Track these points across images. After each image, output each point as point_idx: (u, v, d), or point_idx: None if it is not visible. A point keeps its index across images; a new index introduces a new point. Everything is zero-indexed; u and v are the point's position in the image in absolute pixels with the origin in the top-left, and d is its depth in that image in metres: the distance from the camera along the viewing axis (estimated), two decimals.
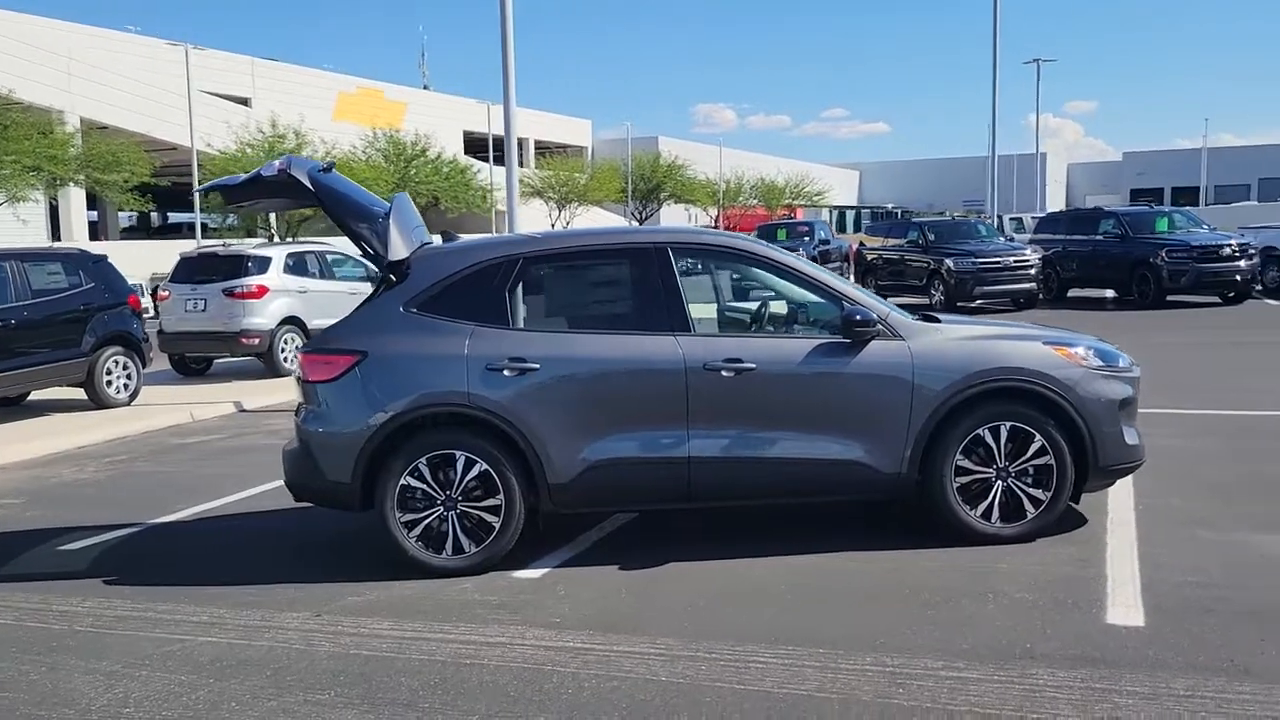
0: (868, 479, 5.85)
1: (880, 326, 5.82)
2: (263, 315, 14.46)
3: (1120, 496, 6.59)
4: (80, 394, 12.27)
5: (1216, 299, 21.29)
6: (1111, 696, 3.96)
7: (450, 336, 5.80)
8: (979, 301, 21.46)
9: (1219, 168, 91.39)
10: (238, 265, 14.68)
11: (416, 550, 5.74)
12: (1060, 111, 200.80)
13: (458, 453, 5.72)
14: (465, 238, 6.90)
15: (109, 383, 12.21)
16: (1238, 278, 20.99)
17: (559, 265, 6.09)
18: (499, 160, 58.24)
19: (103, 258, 12.70)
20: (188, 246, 23.00)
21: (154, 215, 58.42)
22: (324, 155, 41.80)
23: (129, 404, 12.41)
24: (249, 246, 15.91)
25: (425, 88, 71.19)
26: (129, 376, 12.46)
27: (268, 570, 6.03)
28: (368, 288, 16.10)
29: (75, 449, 10.43)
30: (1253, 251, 21.46)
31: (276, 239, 36.43)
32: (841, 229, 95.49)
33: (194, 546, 6.77)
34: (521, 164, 66.97)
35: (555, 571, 5.78)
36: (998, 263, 21.42)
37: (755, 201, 64.79)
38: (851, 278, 25.82)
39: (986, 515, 5.88)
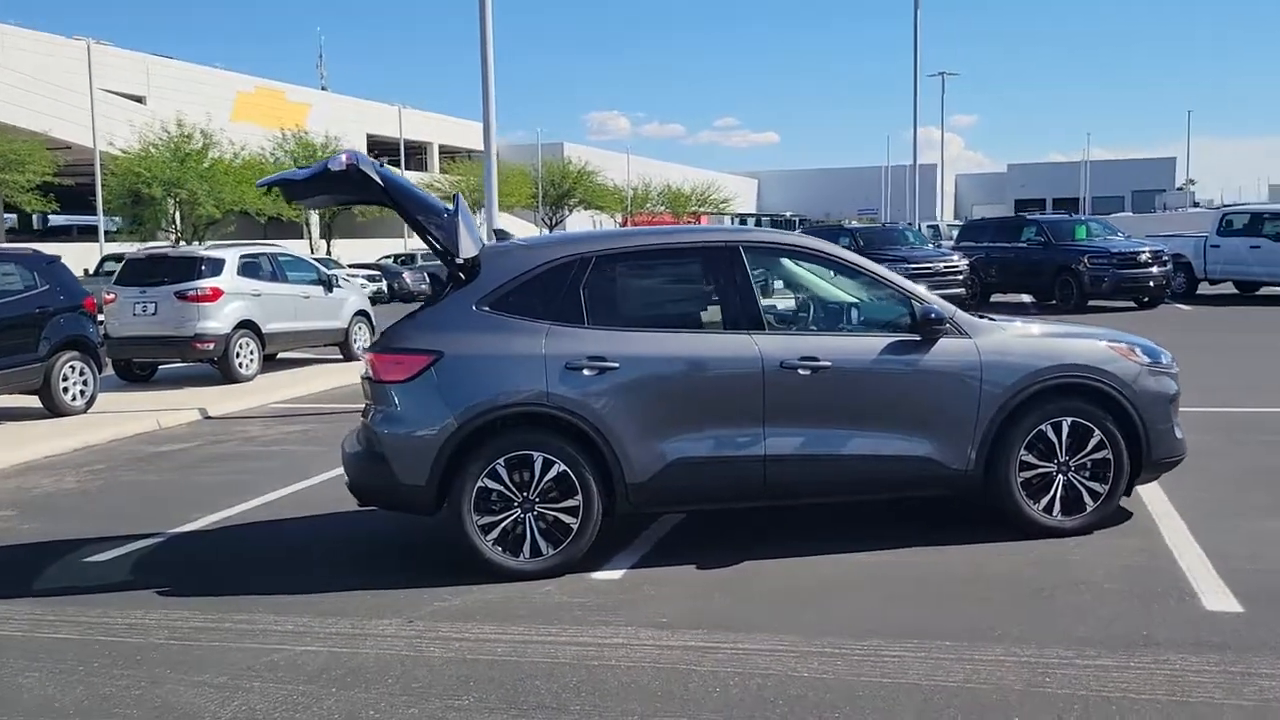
0: (936, 475, 5.95)
1: (949, 324, 5.93)
2: (217, 319, 13.97)
3: (1149, 491, 6.82)
4: (31, 401, 11.68)
5: (1133, 304, 22.21)
6: (1254, 680, 4.10)
7: (527, 335, 5.72)
8: None
9: (1095, 180, 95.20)
10: (190, 267, 14.16)
11: (493, 553, 5.63)
12: (939, 125, 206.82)
13: (535, 453, 5.63)
14: (526, 236, 6.80)
15: (65, 389, 11.65)
16: (1152, 283, 21.94)
17: (632, 263, 6.05)
18: (407, 165, 57.49)
19: (56, 259, 12.13)
20: (80, 249, 22.06)
21: (34, 217, 56.02)
22: (233, 156, 40.68)
23: (85, 411, 11.86)
24: (201, 248, 15.34)
25: (323, 89, 69.80)
26: (85, 383, 11.91)
27: (331, 578, 5.83)
28: (320, 291, 15.80)
29: (44, 459, 9.92)
30: (1166, 258, 22.46)
31: (182, 242, 35.28)
32: None
33: (235, 556, 6.51)
34: (425, 169, 66.29)
35: (633, 573, 5.73)
36: (929, 268, 21.98)
37: (662, 208, 65.23)
38: None
39: (1049, 509, 6.04)
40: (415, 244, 48.01)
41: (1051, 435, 6.00)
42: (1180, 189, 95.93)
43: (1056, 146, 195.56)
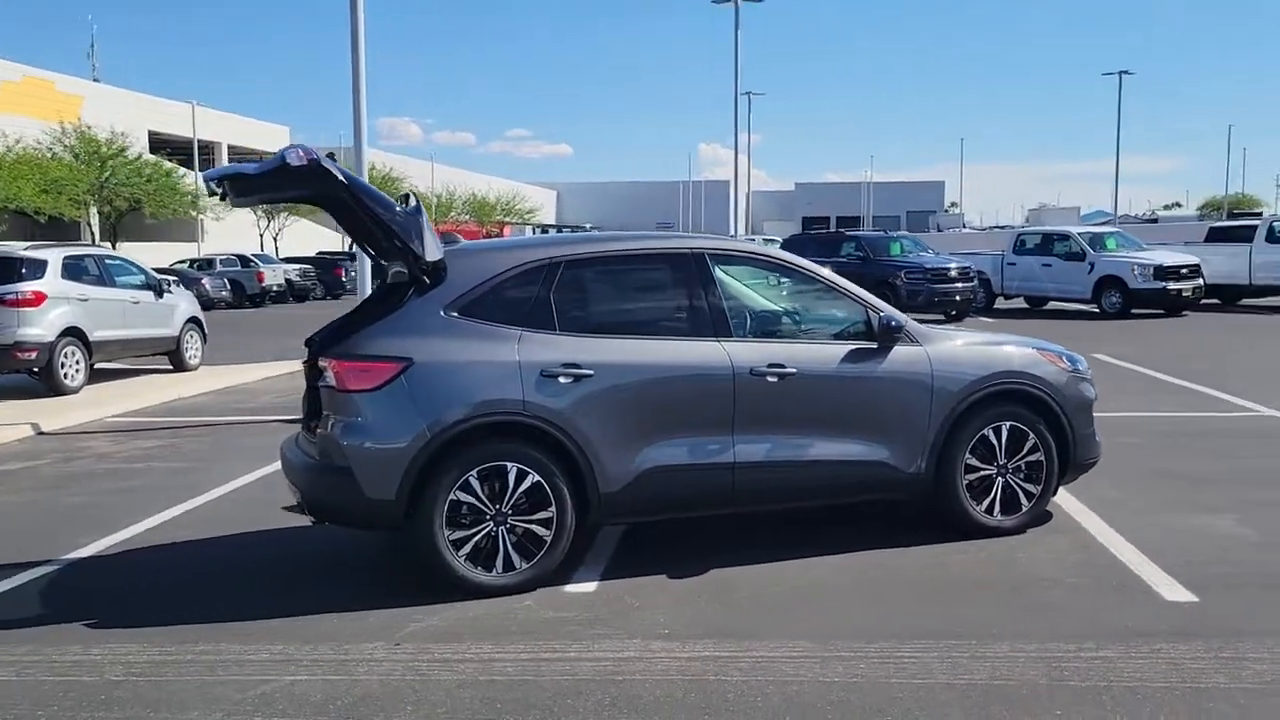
0: (891, 479, 6.12)
1: (903, 333, 6.12)
2: (40, 325, 12.80)
3: (1060, 492, 7.21)
4: None
5: (942, 316, 23.55)
6: (1247, 664, 4.40)
7: (499, 342, 5.52)
8: None
9: (875, 200, 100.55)
10: (7, 269, 12.92)
11: (465, 569, 5.40)
12: (727, 143, 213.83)
13: (509, 464, 5.44)
14: (484, 240, 6.54)
15: None
16: (959, 297, 23.35)
17: (600, 269, 5.93)
18: (195, 164, 54.43)
19: None
20: None
21: None
22: (6, 150, 37.50)
23: None
24: (20, 248, 14.00)
25: (95, 80, 65.18)
26: None
27: (281, 600, 5.44)
28: (150, 296, 14.76)
29: None
30: (973, 274, 23.95)
31: None
32: None
33: (160, 581, 5.96)
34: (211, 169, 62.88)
35: (606, 585, 5.62)
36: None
37: (467, 217, 64.43)
38: None
39: (990, 509, 6.31)
40: (212, 248, 45.58)
41: (993, 439, 6.28)
42: (947, 210, 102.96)
43: (831, 166, 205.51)
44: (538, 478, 5.47)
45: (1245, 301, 25.82)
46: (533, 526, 5.50)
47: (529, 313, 5.63)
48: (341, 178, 5.38)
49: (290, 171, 5.28)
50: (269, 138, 71.09)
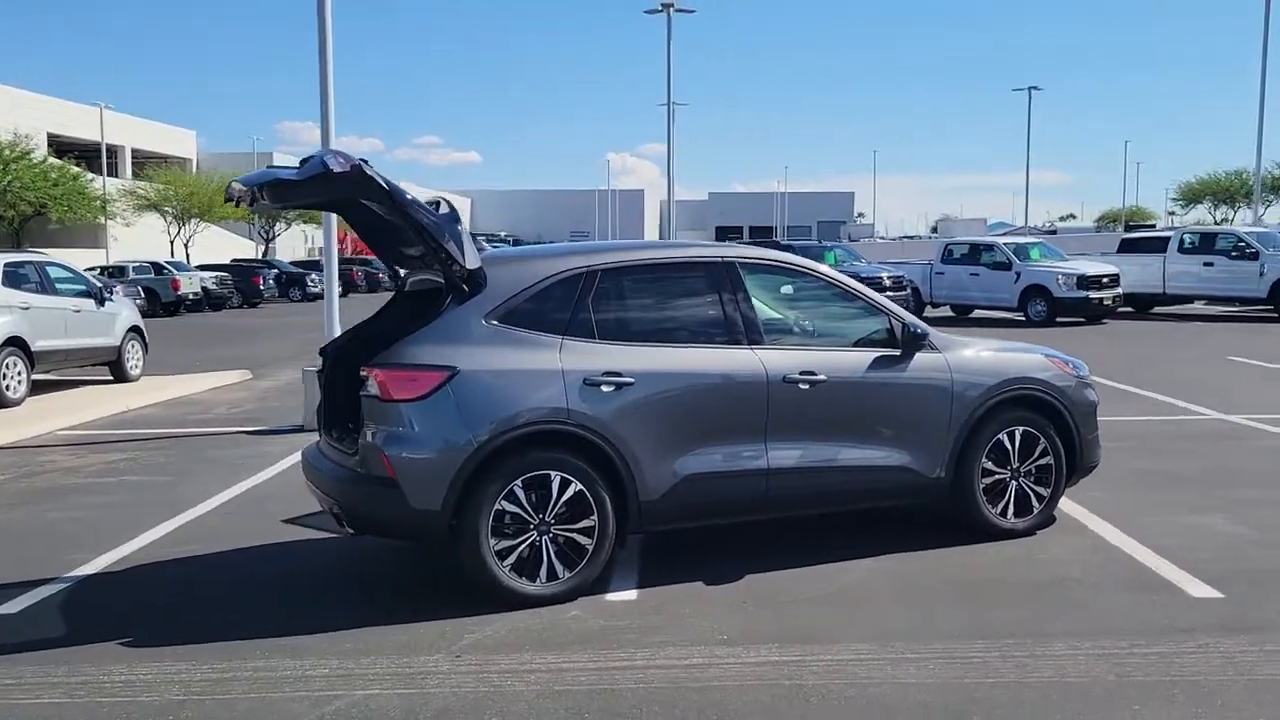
0: (915, 484, 6.25)
1: (928, 340, 6.26)
2: None
3: None
4: None
5: None
6: None
7: (542, 350, 5.50)
8: None
9: (786, 210, 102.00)
10: None
11: (510, 579, 5.35)
12: (637, 152, 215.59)
13: (553, 473, 5.42)
14: (517, 248, 6.48)
15: None
16: None
17: (636, 277, 5.93)
18: (94, 168, 52.70)
19: None
20: None
21: None
22: None
23: None
24: None
25: None
26: None
27: (322, 614, 5.33)
28: (92, 305, 14.30)
29: None
30: (905, 283, 24.48)
31: None
32: None
33: (180, 598, 5.78)
34: (115, 174, 61.02)
35: (647, 593, 5.62)
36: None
37: None
38: None
39: (1004, 512, 6.48)
40: (119, 255, 44.10)
41: (1007, 443, 6.45)
42: (856, 221, 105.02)
43: (740, 176, 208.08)
44: (580, 486, 5.46)
45: (1157, 310, 26.88)
46: (575, 535, 5.48)
47: (569, 321, 5.62)
48: (384, 184, 5.30)
49: (333, 178, 5.19)
50: (175, 142, 69.28)
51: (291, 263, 49.83)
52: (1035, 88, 60.35)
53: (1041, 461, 6.55)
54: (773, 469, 5.87)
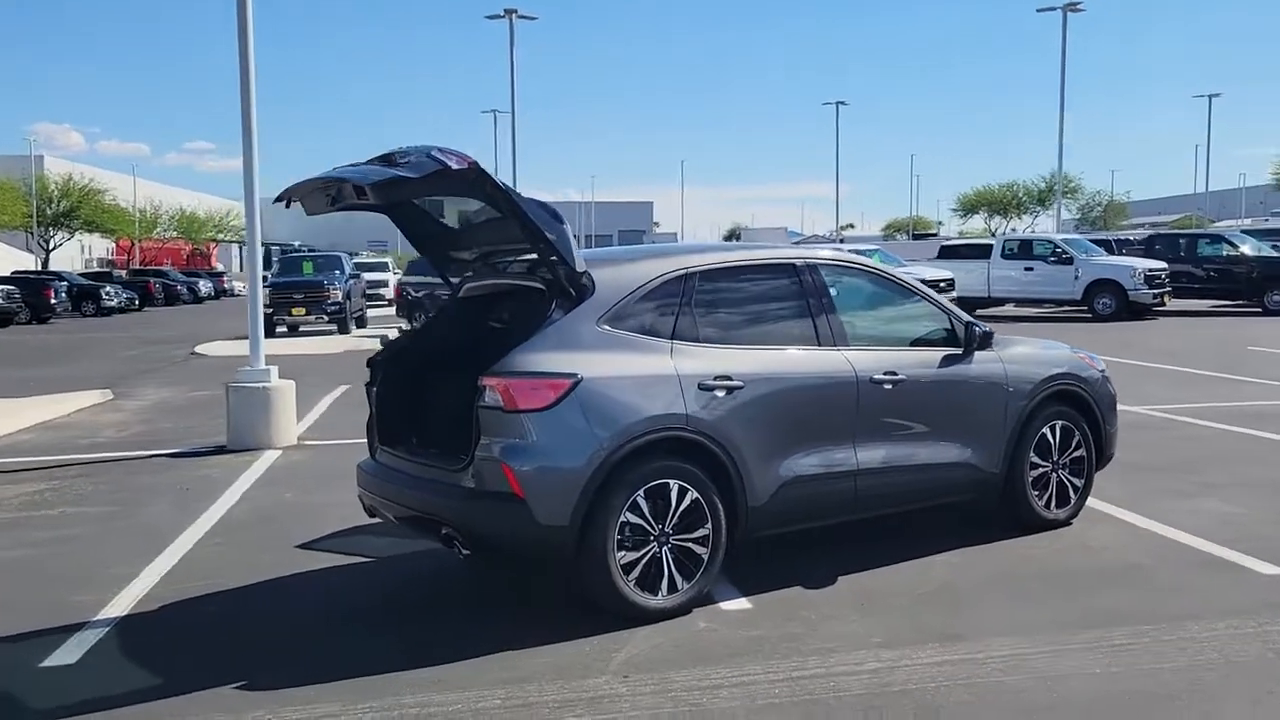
0: (977, 479, 6.39)
1: (991, 340, 6.42)
2: None
3: None
4: None
5: None
6: None
7: (655, 355, 5.31)
8: None
9: (589, 218, 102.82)
10: None
11: (634, 593, 5.13)
12: None
13: (672, 482, 5.24)
14: (606, 250, 6.19)
15: None
16: None
17: (730, 278, 5.79)
18: None
19: None
20: None
21: None
22: None
23: None
24: None
25: None
26: None
27: (433, 641, 4.94)
28: None
29: None
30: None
31: None
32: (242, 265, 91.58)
33: (250, 635, 5.22)
34: None
35: (757, 600, 5.50)
36: None
37: (175, 233, 59.94)
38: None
39: (1048, 504, 6.71)
40: None
41: (1050, 437, 6.69)
42: (654, 231, 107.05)
43: (545, 186, 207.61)
44: (696, 494, 5.30)
45: (979, 312, 28.57)
46: (692, 545, 5.31)
47: (674, 323, 5.45)
48: (498, 182, 5.00)
49: (451, 174, 4.85)
50: None
51: (81, 274, 46.28)
52: (842, 103, 62.99)
53: (1076, 454, 6.82)
54: (860, 469, 5.87)
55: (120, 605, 5.68)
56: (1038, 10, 38.86)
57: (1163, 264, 26.65)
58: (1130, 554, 6.18)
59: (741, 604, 5.45)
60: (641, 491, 5.15)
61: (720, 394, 5.36)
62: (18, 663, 4.93)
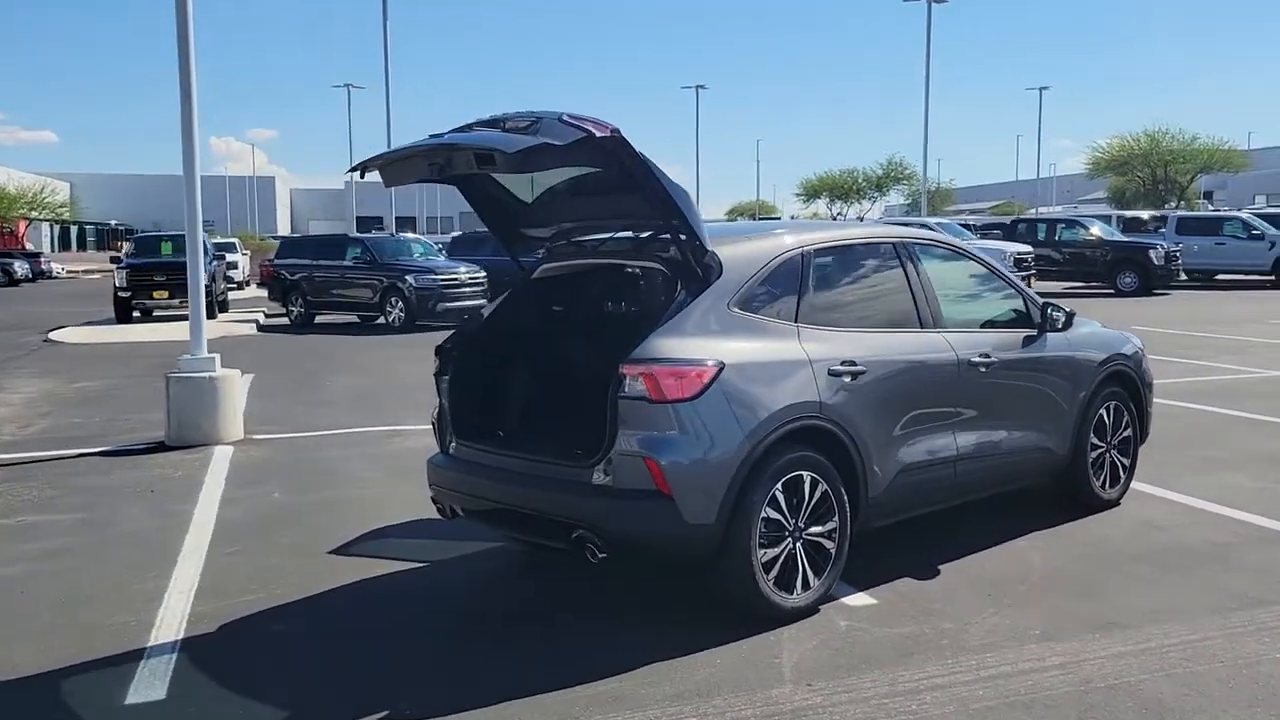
0: (1049, 461, 6.33)
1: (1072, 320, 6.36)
2: None
3: None
4: None
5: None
6: None
7: (785, 339, 4.99)
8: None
9: (434, 199, 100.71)
10: None
11: (771, 592, 4.80)
12: (244, 137, 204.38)
13: (805, 473, 4.92)
14: (717, 225, 5.72)
15: None
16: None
17: (840, 258, 5.49)
18: None
19: None
20: None
21: None
22: None
23: None
24: None
25: None
26: None
27: (558, 654, 4.50)
28: None
29: None
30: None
31: None
32: (66, 245, 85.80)
33: (362, 647, 4.66)
34: None
35: (875, 594, 5.24)
36: (454, 279, 21.69)
37: None
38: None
39: (1104, 484, 6.71)
40: None
41: (1106, 418, 6.68)
42: None
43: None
44: (825, 486, 5.00)
45: None
46: (820, 540, 5.02)
47: (795, 306, 5.13)
48: (638, 152, 4.56)
49: (595, 142, 4.39)
50: None
51: None
52: (702, 86, 63.33)
53: (1125, 434, 6.84)
54: (960, 455, 5.70)
55: (170, 627, 4.98)
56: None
57: (1029, 248, 27.72)
58: (1201, 532, 6.21)
59: (864, 599, 5.19)
60: (780, 485, 4.82)
61: (847, 379, 5.07)
62: (97, 700, 4.24)
